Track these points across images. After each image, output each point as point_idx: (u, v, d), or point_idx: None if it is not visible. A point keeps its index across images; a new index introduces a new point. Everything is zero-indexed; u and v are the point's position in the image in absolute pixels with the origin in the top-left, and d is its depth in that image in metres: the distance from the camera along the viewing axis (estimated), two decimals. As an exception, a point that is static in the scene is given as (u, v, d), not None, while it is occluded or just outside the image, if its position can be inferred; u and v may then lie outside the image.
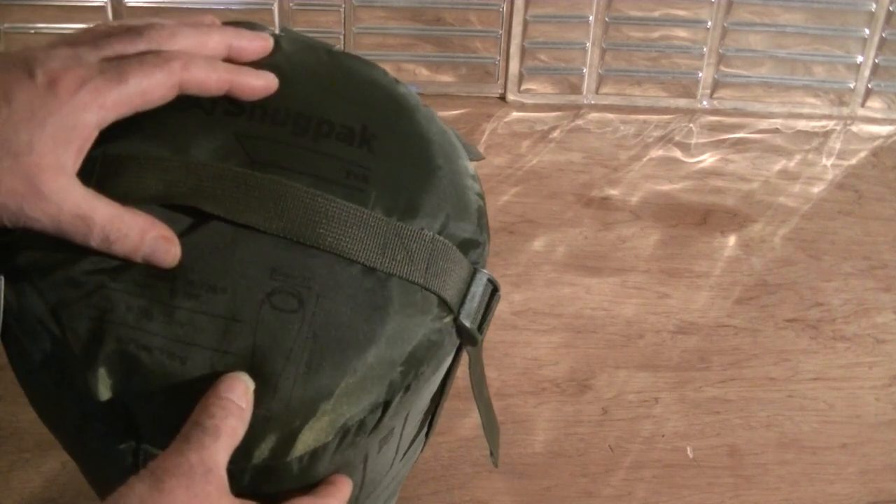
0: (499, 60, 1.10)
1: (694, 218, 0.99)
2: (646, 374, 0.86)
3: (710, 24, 1.09)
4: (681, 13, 1.11)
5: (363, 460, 0.49)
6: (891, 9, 1.07)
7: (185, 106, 0.46)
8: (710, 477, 0.80)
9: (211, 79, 0.46)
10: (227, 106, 0.48)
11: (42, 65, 0.43)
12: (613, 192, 1.01)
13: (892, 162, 1.08)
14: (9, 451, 0.77)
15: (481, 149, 1.04)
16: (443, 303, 0.48)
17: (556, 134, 1.07)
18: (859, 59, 1.10)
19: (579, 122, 1.09)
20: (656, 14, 1.11)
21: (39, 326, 0.44)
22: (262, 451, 0.44)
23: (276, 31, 0.52)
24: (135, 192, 0.45)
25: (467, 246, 0.49)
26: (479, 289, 0.49)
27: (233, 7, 1.07)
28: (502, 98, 1.11)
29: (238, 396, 0.43)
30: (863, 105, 1.12)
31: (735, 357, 0.88)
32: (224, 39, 0.48)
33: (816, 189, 1.04)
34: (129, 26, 0.47)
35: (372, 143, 0.49)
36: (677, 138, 1.08)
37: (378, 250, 0.46)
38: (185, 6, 1.07)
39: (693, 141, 1.08)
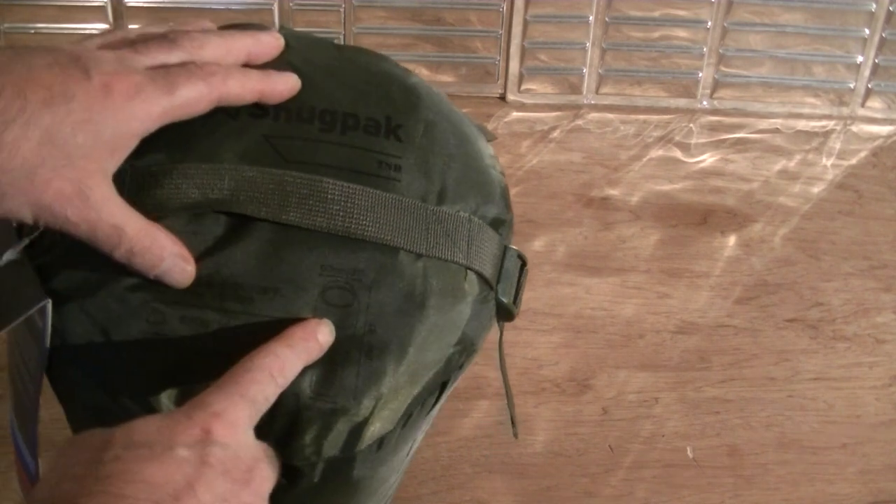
0: (499, 60, 1.10)
1: (694, 218, 0.99)
2: (646, 374, 0.86)
3: (710, 24, 1.09)
4: (681, 13, 1.11)
5: (413, 440, 0.50)
6: (891, 9, 1.07)
7: (210, 112, 0.46)
8: (710, 477, 0.80)
9: (245, 90, 0.47)
10: (252, 109, 0.48)
11: (96, 66, 0.43)
12: (613, 192, 1.01)
13: (892, 162, 1.08)
14: (9, 451, 0.77)
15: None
16: (484, 280, 0.49)
17: (556, 134, 1.07)
18: (859, 59, 1.10)
19: (579, 122, 1.09)
20: (656, 14, 1.11)
21: (90, 346, 0.44)
22: (333, 444, 0.45)
23: (278, 28, 0.52)
24: (172, 202, 0.45)
25: (497, 224, 0.51)
26: (510, 264, 0.51)
27: (233, 7, 1.07)
28: (502, 98, 1.11)
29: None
30: (863, 105, 1.12)
31: (735, 357, 0.88)
32: (245, 45, 0.49)
33: (816, 189, 1.04)
34: (156, 33, 0.47)
35: (398, 132, 0.49)
36: (677, 138, 1.08)
37: (421, 236, 0.47)
38: (184, 6, 1.07)
39: (693, 141, 1.08)
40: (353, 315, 0.45)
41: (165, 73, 0.44)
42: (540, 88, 1.11)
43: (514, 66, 1.10)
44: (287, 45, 0.51)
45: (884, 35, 1.08)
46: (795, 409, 0.85)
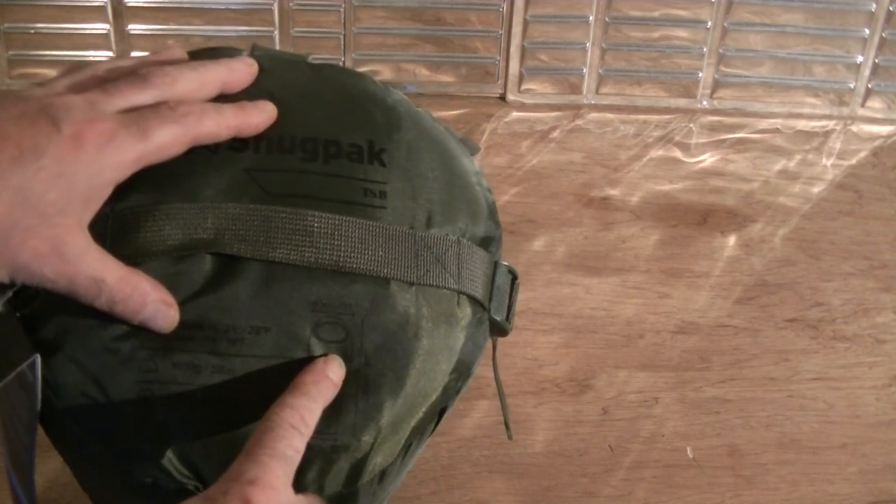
0: (499, 60, 1.10)
1: (694, 218, 0.99)
2: (646, 374, 0.86)
3: (710, 24, 1.09)
4: (681, 13, 1.11)
5: (412, 463, 0.49)
6: (891, 9, 1.07)
7: (189, 148, 0.46)
8: (710, 477, 0.80)
9: (221, 127, 0.46)
10: (231, 142, 0.47)
11: (65, 115, 0.41)
12: (613, 192, 1.01)
13: (892, 162, 1.08)
14: (9, 451, 0.77)
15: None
16: (476, 303, 0.48)
17: (556, 134, 1.07)
18: (859, 59, 1.10)
19: (579, 122, 1.09)
20: (656, 14, 1.11)
21: (84, 398, 0.43)
22: (335, 481, 0.44)
23: (250, 51, 0.51)
24: (156, 245, 0.44)
25: (486, 243, 0.50)
26: (501, 280, 0.50)
27: (233, 7, 1.07)
28: (502, 98, 1.11)
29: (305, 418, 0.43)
30: (863, 105, 1.12)
31: (735, 357, 0.88)
32: (218, 76, 0.48)
33: (816, 189, 1.04)
34: (128, 69, 0.46)
35: (381, 156, 0.48)
36: (677, 138, 1.08)
37: (411, 264, 0.46)
38: (184, 6, 1.07)
39: (693, 141, 1.08)
40: (347, 350, 0.44)
41: (138, 118, 0.43)
42: (540, 88, 1.11)
43: (514, 66, 1.10)
44: (262, 68, 0.50)
45: (884, 35, 1.08)
46: (795, 409, 0.85)
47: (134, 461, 0.43)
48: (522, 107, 1.10)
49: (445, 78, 1.11)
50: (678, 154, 1.06)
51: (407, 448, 0.46)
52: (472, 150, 0.54)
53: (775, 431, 0.83)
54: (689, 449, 0.81)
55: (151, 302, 0.43)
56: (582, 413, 0.83)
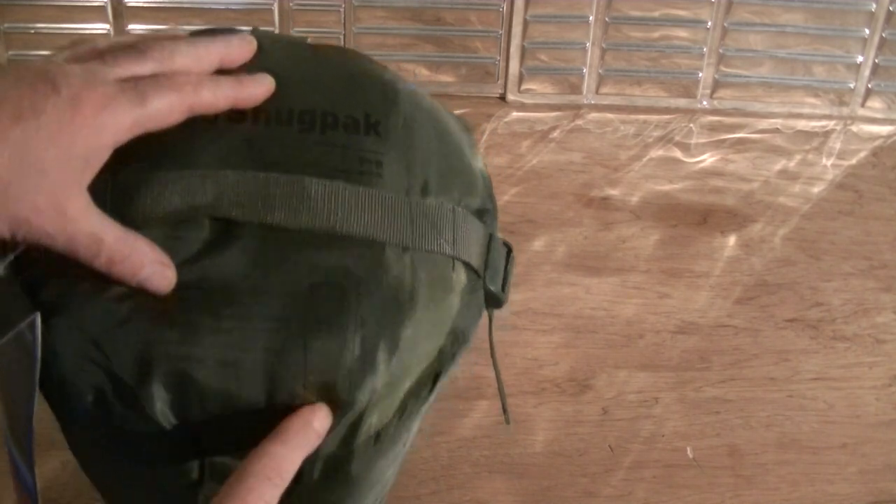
0: (499, 60, 1.10)
1: (694, 218, 0.99)
2: (646, 374, 0.86)
3: (710, 24, 1.09)
4: (681, 13, 1.11)
5: (409, 431, 0.50)
6: (891, 9, 1.07)
7: (187, 118, 0.46)
8: (710, 477, 0.80)
9: (218, 98, 0.47)
10: (230, 113, 0.48)
11: (64, 80, 0.42)
12: (613, 192, 1.01)
13: (892, 162, 1.08)
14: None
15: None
16: (471, 270, 0.49)
17: (556, 134, 1.07)
18: (859, 59, 1.10)
19: (579, 122, 1.09)
20: (656, 14, 1.11)
21: (84, 361, 0.44)
22: (331, 440, 0.44)
23: (249, 30, 0.52)
24: (156, 211, 0.45)
25: (481, 214, 0.51)
26: (497, 252, 0.51)
27: (233, 7, 1.07)
28: (502, 98, 1.11)
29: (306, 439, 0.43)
30: (863, 105, 1.12)
31: (735, 357, 0.88)
32: (216, 51, 0.48)
33: (816, 189, 1.04)
34: (127, 44, 0.47)
35: (377, 128, 0.49)
36: (677, 138, 1.08)
37: (406, 229, 0.47)
38: (184, 6, 1.07)
39: (693, 141, 1.08)
40: (343, 312, 0.45)
41: (135, 85, 0.44)
42: (540, 88, 1.11)
43: (514, 66, 1.10)
44: (260, 47, 0.50)
45: (884, 35, 1.08)
46: (795, 409, 0.85)
47: (128, 415, 0.44)
48: (522, 107, 1.10)
49: (445, 78, 1.11)
50: (678, 154, 1.06)
51: (403, 410, 0.46)
52: (467, 128, 0.55)
53: (775, 431, 0.83)
54: (689, 449, 0.81)
55: (149, 263, 0.44)
56: (582, 413, 0.83)
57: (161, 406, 0.43)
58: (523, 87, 1.10)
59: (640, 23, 1.11)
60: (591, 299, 0.92)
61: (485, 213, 0.51)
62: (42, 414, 0.78)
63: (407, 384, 0.46)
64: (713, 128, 1.10)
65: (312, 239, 0.45)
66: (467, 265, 0.49)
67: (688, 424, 0.83)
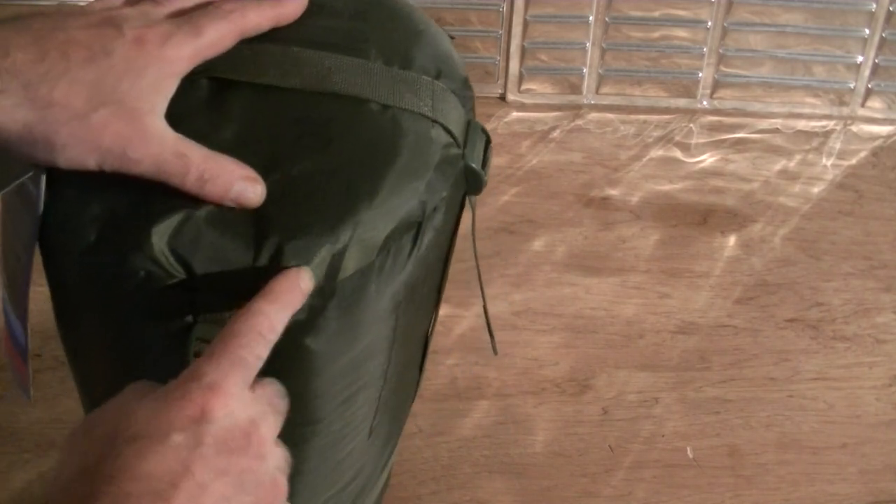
0: (499, 60, 1.10)
1: (694, 218, 0.99)
2: (646, 374, 0.86)
3: (710, 24, 1.09)
4: (681, 13, 1.11)
5: (396, 307, 0.51)
6: (891, 9, 1.07)
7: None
8: (710, 477, 0.80)
9: (263, 18, 0.50)
10: None
11: (125, 23, 0.46)
12: (613, 192, 1.01)
13: (892, 162, 1.08)
14: (9, 451, 0.77)
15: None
16: (450, 136, 0.52)
17: (556, 134, 1.07)
18: (859, 59, 1.10)
19: (579, 122, 1.09)
20: (656, 14, 1.11)
21: (88, 196, 0.46)
22: (318, 272, 0.47)
23: None
24: None
25: (461, 99, 0.54)
26: (476, 135, 0.54)
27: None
28: (502, 98, 1.11)
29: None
30: (863, 105, 1.12)
31: (735, 357, 0.88)
32: None
33: (816, 189, 1.04)
34: None
35: (364, 15, 0.54)
36: (677, 138, 1.08)
37: (388, 91, 0.51)
38: (185, 6, 1.07)
39: (693, 141, 1.08)
40: (328, 155, 0.48)
41: (189, 19, 0.48)
42: (540, 88, 1.11)
43: (514, 66, 1.10)
44: None
45: (884, 35, 1.08)
46: (795, 409, 0.85)
47: (128, 252, 0.45)
48: (522, 107, 1.10)
49: (445, 78, 1.11)
50: (678, 154, 1.06)
51: (386, 253, 0.48)
52: (451, 37, 0.59)
53: (775, 431, 0.83)
54: (689, 449, 0.81)
55: (239, 178, 0.46)
56: (582, 413, 0.83)
57: (158, 242, 0.45)
58: (523, 87, 1.10)
59: (640, 23, 1.11)
60: (591, 299, 0.92)
61: (465, 99, 0.54)
62: (41, 414, 0.78)
63: (389, 226, 0.48)
64: (713, 128, 1.10)
65: (301, 96, 0.50)
66: (446, 130, 0.52)
67: (688, 424, 0.83)
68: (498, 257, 0.94)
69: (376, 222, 0.48)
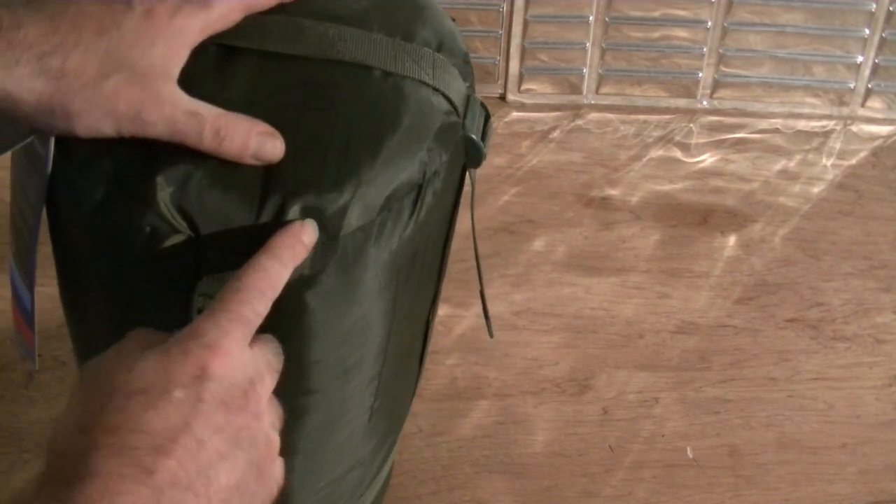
0: (499, 60, 1.10)
1: (694, 218, 0.99)
2: (646, 374, 0.86)
3: (710, 24, 1.09)
4: (681, 13, 1.11)
5: (396, 275, 0.52)
6: (891, 9, 1.07)
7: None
8: (710, 477, 0.80)
9: None
10: None
11: None
12: (613, 192, 1.01)
13: (892, 162, 1.08)
14: (9, 451, 0.77)
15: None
16: (451, 105, 0.53)
17: (556, 134, 1.07)
18: (859, 59, 1.10)
19: (579, 122, 1.09)
20: (656, 14, 1.11)
21: (93, 158, 0.47)
22: (322, 228, 0.47)
23: None
24: None
25: (462, 74, 0.55)
26: (475, 108, 0.55)
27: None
28: (502, 98, 1.11)
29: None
30: (863, 105, 1.12)
31: (735, 357, 0.88)
32: None
33: (816, 189, 1.04)
34: None
35: None
36: (677, 138, 1.08)
37: (390, 59, 0.52)
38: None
39: (693, 141, 1.08)
40: (332, 117, 0.49)
41: None
42: (540, 88, 1.11)
43: (514, 66, 1.10)
44: None
45: (884, 35, 1.08)
46: (795, 409, 0.85)
47: (133, 207, 0.46)
48: (522, 107, 1.11)
49: (445, 78, 1.11)
50: (678, 154, 1.06)
51: (387, 212, 0.49)
52: (453, 19, 0.60)
53: (775, 431, 0.83)
54: (689, 449, 0.81)
55: (256, 134, 0.47)
56: (582, 413, 0.83)
57: (163, 197, 0.46)
58: (523, 87, 1.10)
59: (640, 23, 1.11)
60: (591, 299, 0.92)
61: (465, 74, 0.55)
62: (41, 414, 0.78)
63: (391, 185, 0.49)
64: (713, 128, 1.10)
65: (305, 62, 0.51)
66: (447, 98, 0.53)
67: (688, 424, 0.83)
68: (498, 257, 0.94)
69: (378, 181, 0.48)
